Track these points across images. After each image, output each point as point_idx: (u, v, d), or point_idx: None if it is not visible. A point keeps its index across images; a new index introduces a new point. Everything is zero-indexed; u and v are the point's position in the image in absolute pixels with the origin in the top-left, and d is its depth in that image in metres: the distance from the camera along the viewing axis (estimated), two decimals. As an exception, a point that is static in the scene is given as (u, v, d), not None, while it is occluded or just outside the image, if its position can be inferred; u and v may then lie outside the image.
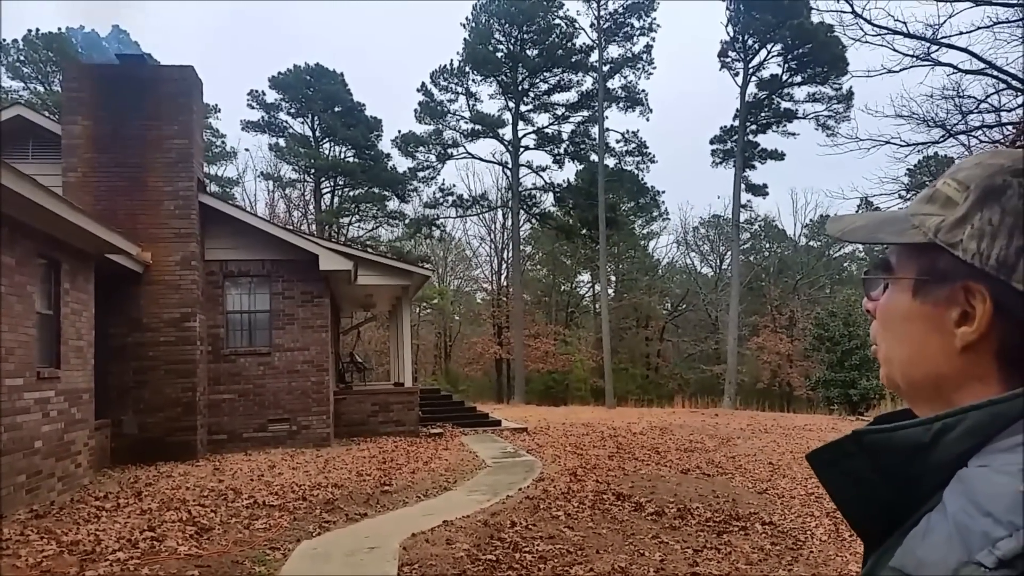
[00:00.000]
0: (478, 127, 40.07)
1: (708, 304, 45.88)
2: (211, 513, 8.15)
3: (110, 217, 11.81)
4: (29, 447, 8.44)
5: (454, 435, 16.42)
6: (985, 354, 0.73)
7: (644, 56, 38.10)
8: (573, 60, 38.64)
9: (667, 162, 68.08)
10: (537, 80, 39.43)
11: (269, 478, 10.53)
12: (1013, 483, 0.63)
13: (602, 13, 37.09)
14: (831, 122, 35.56)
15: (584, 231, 40.96)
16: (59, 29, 36.85)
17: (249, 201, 42.51)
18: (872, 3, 25.22)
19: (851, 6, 13.37)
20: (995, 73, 13.06)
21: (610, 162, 39.56)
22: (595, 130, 38.50)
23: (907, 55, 13.37)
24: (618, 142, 40.35)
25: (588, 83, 39.19)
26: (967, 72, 13.29)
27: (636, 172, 41.59)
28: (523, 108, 39.96)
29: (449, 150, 40.83)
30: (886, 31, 13.32)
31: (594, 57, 37.95)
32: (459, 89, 39.89)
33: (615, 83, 38.78)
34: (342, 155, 42.39)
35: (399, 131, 41.16)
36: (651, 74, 38.96)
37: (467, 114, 40.12)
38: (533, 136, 40.65)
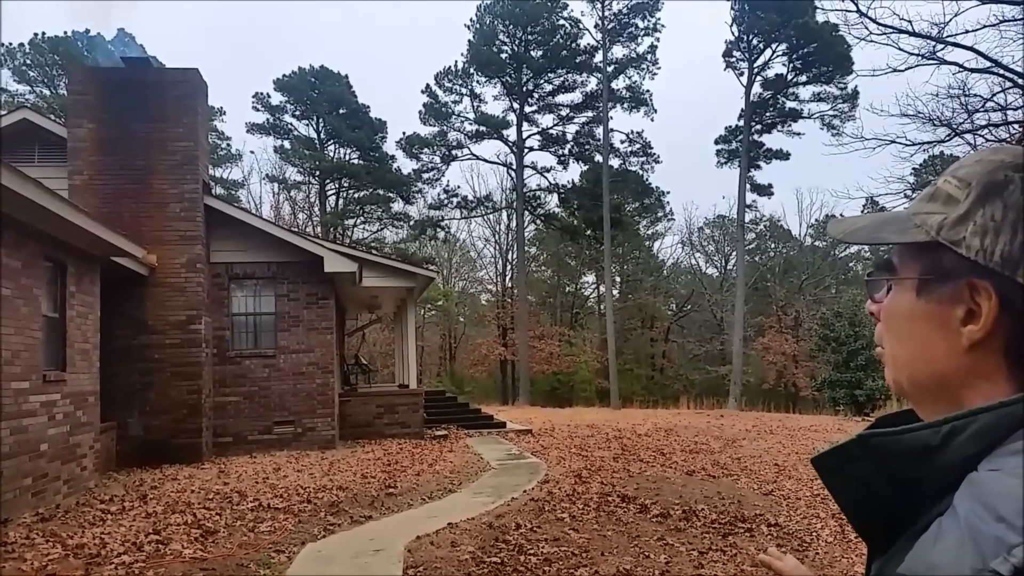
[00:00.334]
0: (482, 128, 40.08)
1: (713, 305, 45.80)
2: (216, 516, 8.15)
3: (115, 220, 11.84)
4: (35, 450, 8.46)
5: (459, 437, 16.42)
6: (992, 352, 0.72)
7: (648, 56, 38.08)
8: (577, 61, 38.64)
9: (672, 162, 67.91)
10: (541, 81, 39.43)
11: (274, 481, 10.54)
12: None
13: (606, 14, 37.09)
14: (836, 121, 35.48)
15: (589, 232, 40.93)
16: (65, 33, 37.07)
17: (254, 203, 42.62)
18: (877, 2, 25.16)
19: (856, 5, 13.35)
20: (1001, 72, 13.02)
21: (614, 163, 39.54)
22: (599, 131, 38.49)
23: (912, 54, 13.33)
24: (622, 142, 40.35)
25: (592, 84, 39.22)
26: (973, 71, 13.25)
27: (641, 172, 41.56)
28: (527, 109, 39.98)
29: (454, 151, 40.87)
30: (891, 30, 13.29)
31: (598, 58, 37.96)
32: (463, 90, 39.94)
33: (619, 84, 38.77)
34: (347, 157, 42.44)
35: (404, 133, 41.19)
36: (655, 74, 38.94)
37: (471, 115, 40.18)
38: (537, 137, 40.67)
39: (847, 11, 13.75)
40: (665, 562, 6.44)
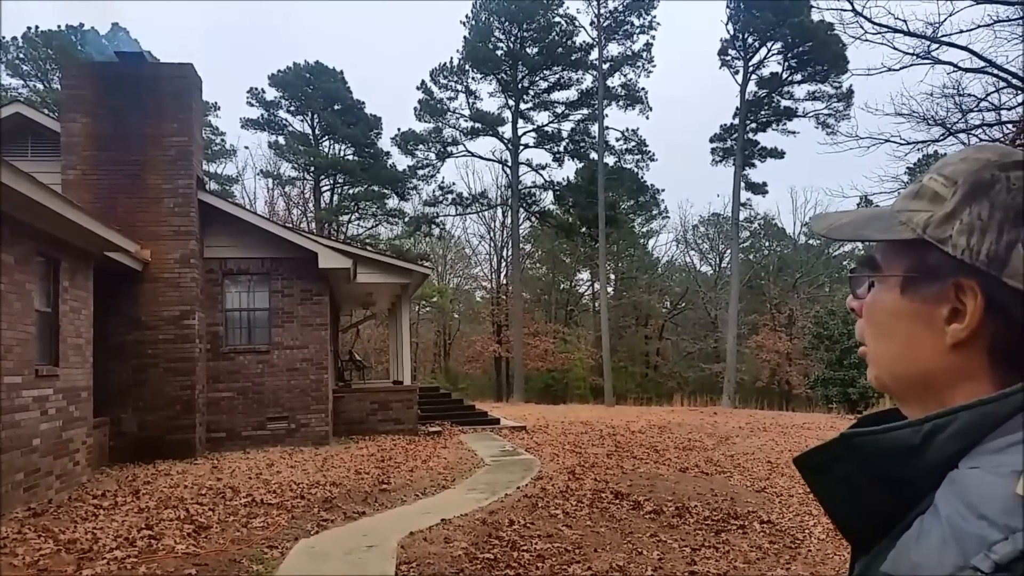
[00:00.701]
0: (478, 125, 40.06)
1: (707, 302, 45.88)
2: (209, 512, 8.15)
3: (109, 215, 11.80)
4: (27, 445, 8.43)
5: (453, 433, 16.43)
6: (976, 351, 0.72)
7: (644, 54, 38.12)
8: (573, 58, 38.63)
9: (667, 160, 68.10)
10: (537, 78, 39.41)
11: (267, 476, 10.53)
12: (1006, 484, 0.62)
13: (602, 11, 37.10)
14: (831, 120, 35.60)
15: (584, 229, 40.95)
16: (59, 27, 36.85)
17: (249, 199, 42.55)
18: (872, 1, 25.20)
19: (851, 4, 13.36)
20: (995, 71, 13.05)
21: (610, 160, 39.61)
22: (595, 128, 38.50)
23: (907, 53, 13.36)
24: (618, 140, 40.41)
25: (588, 81, 39.22)
26: (967, 70, 13.28)
27: (636, 170, 41.62)
28: (523, 106, 39.96)
29: (449, 148, 40.84)
30: (886, 29, 13.31)
31: (594, 55, 37.94)
32: (459, 87, 39.90)
33: (615, 81, 38.81)
34: (342, 153, 42.38)
35: (399, 129, 41.20)
36: (651, 72, 39.00)
37: (467, 112, 40.15)
38: (533, 134, 40.67)
39: (842, 10, 13.77)
40: (658, 558, 6.46)
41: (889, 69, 13.49)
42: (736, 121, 37.23)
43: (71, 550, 6.53)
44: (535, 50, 38.58)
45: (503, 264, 45.13)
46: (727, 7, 35.52)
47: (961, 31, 12.90)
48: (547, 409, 26.82)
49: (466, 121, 40.27)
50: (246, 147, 56.25)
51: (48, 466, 8.94)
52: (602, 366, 35.15)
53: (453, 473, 11.08)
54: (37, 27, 36.45)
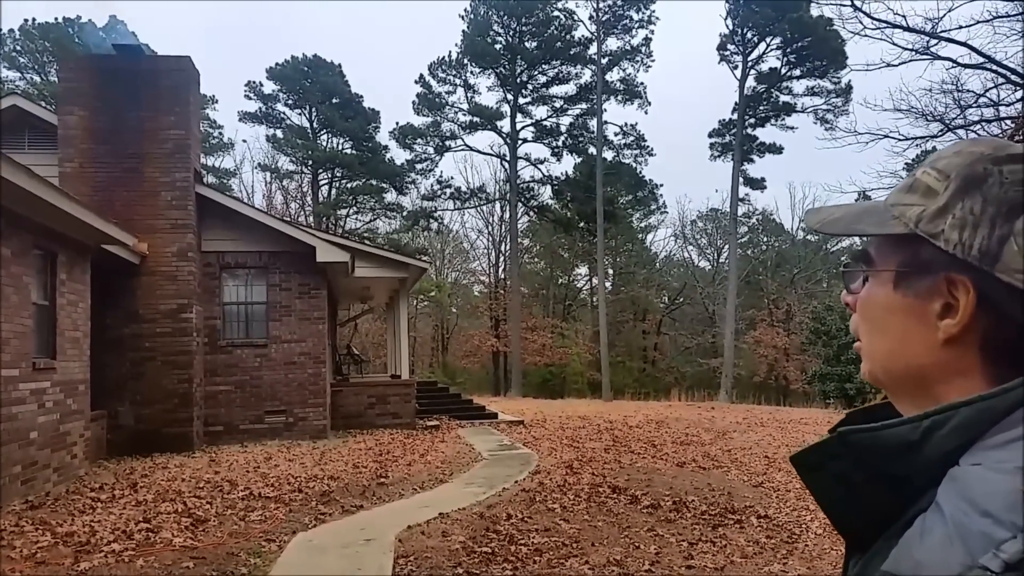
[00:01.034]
0: (476, 119, 39.99)
1: (705, 298, 45.91)
2: (207, 505, 8.15)
3: (106, 208, 11.78)
4: (25, 438, 8.43)
5: (451, 428, 16.44)
6: (968, 347, 0.72)
7: (643, 49, 38.05)
8: (572, 52, 38.55)
9: (665, 155, 68.12)
10: (536, 72, 39.34)
11: (265, 470, 10.53)
12: (1010, 481, 0.62)
13: (601, 5, 37.00)
14: (830, 116, 35.56)
15: (582, 224, 40.91)
16: (56, 19, 36.71)
17: (246, 192, 42.45)
18: (871, -3, 25.10)
19: (851, 0, 13.35)
20: (994, 67, 13.04)
21: (608, 155, 39.54)
22: (593, 123, 38.45)
23: (906, 49, 13.36)
24: (616, 135, 40.34)
25: (587, 76, 39.16)
26: (966, 66, 13.28)
27: (634, 165, 41.58)
28: (521, 100, 39.89)
29: (447, 142, 40.78)
30: (885, 25, 13.30)
31: (593, 49, 37.88)
32: (457, 81, 39.82)
33: (614, 76, 38.74)
34: (340, 147, 42.29)
35: (397, 123, 41.17)
36: (650, 67, 38.93)
37: (465, 106, 40.08)
38: (531, 129, 40.62)
39: (841, 5, 13.77)
40: (655, 553, 6.47)
41: (888, 65, 13.49)
42: (735, 116, 37.20)
43: (68, 543, 6.53)
44: (534, 44, 38.50)
45: (501, 259, 45.14)
46: (726, 2, 35.49)
47: (960, 27, 12.94)
48: (545, 404, 26.85)
49: (464, 115, 40.24)
50: (244, 140, 56.27)
51: (46, 459, 8.94)
52: (600, 361, 35.16)
53: (451, 467, 11.09)
54: (34, 19, 36.36)
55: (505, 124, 39.91)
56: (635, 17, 37.46)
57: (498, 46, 38.56)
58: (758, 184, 40.50)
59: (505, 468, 10.98)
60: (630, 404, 27.70)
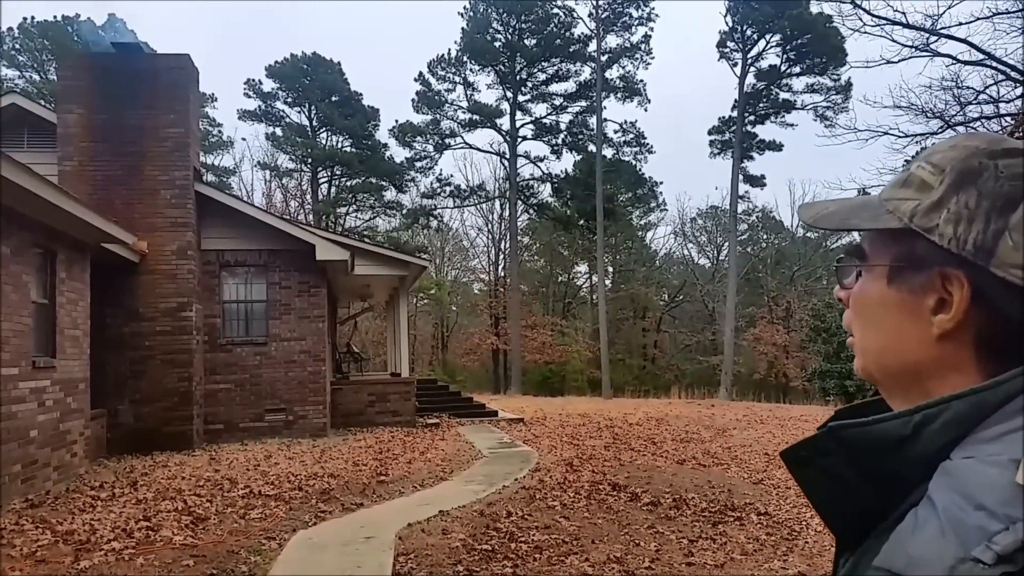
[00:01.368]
0: (476, 117, 39.96)
1: (705, 295, 45.90)
2: (207, 503, 8.15)
3: (106, 206, 11.77)
4: (25, 436, 8.43)
5: (451, 425, 16.45)
6: (962, 342, 0.71)
7: (642, 46, 38.00)
8: (571, 50, 38.50)
9: (665, 153, 68.06)
10: (535, 70, 39.30)
11: (265, 468, 10.54)
12: (1003, 474, 0.61)
13: (600, 3, 36.97)
14: (829, 113, 35.55)
15: (581, 222, 40.90)
16: (55, 18, 36.67)
17: (246, 191, 42.40)
18: (871, -6, 25.08)
19: (850, -4, 13.33)
20: (994, 64, 13.04)
21: (608, 152, 39.52)
22: (593, 120, 38.43)
23: (906, 46, 13.35)
24: (616, 132, 40.31)
25: (586, 73, 39.13)
26: (966, 63, 13.27)
27: (634, 163, 41.54)
28: (521, 98, 39.86)
29: (447, 140, 40.75)
30: (885, 21, 13.29)
31: (592, 47, 37.85)
32: (457, 79, 39.79)
33: (613, 73, 38.70)
34: (339, 145, 42.26)
35: (396, 121, 41.09)
36: (649, 64, 39.01)
37: (465, 104, 40.05)
38: (531, 126, 40.58)
39: (841, 2, 13.78)
40: (655, 550, 6.47)
41: (888, 61, 13.49)
42: (734, 113, 37.17)
43: (69, 541, 6.53)
44: (533, 42, 38.46)
45: (501, 256, 45.11)
46: (725, -1, 35.46)
47: (960, 23, 12.88)
48: (545, 401, 26.86)
49: (464, 113, 40.21)
50: (243, 139, 55.96)
51: (46, 457, 8.94)
52: (600, 358, 35.17)
53: (451, 465, 11.09)
54: (33, 18, 36.33)
55: (505, 122, 39.93)
56: (634, 14, 37.44)
57: (497, 43, 38.52)
58: (758, 181, 40.51)
59: (505, 466, 10.98)
60: (630, 402, 27.70)
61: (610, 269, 45.90)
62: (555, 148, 40.96)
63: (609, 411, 20.85)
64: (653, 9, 37.24)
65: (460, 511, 7.87)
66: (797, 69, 36.27)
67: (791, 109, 37.19)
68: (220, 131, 42.26)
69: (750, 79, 36.73)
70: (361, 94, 41.67)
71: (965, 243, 0.70)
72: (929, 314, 0.72)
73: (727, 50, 36.34)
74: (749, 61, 36.20)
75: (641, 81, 38.74)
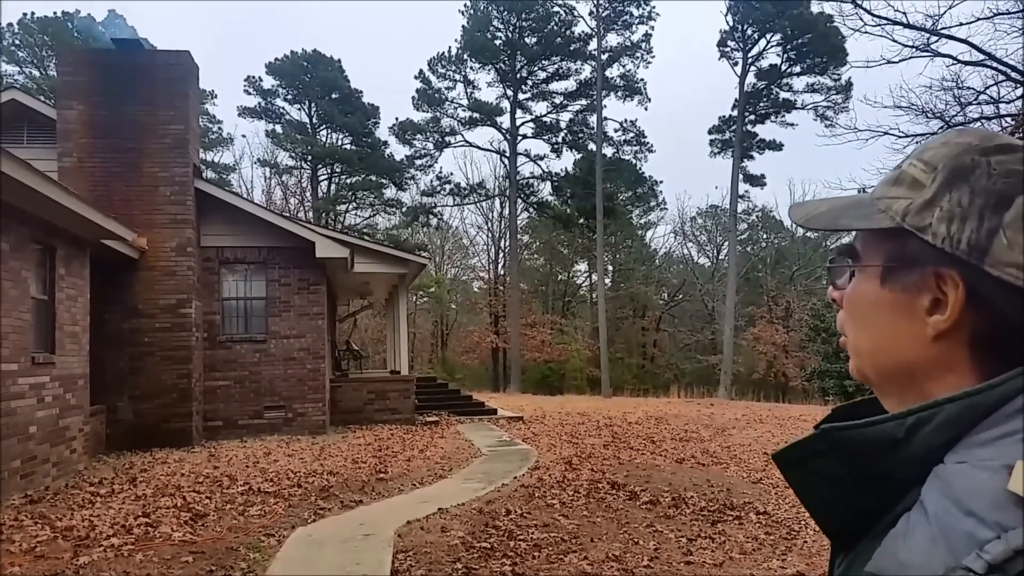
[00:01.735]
0: (476, 115, 39.94)
1: (705, 294, 45.90)
2: (206, 499, 8.15)
3: (105, 203, 11.76)
4: (24, 432, 8.43)
5: (450, 423, 16.45)
6: (958, 342, 0.70)
7: (643, 45, 37.98)
8: (572, 48, 38.48)
9: (665, 152, 68.04)
10: (535, 68, 39.28)
11: (264, 465, 10.54)
12: (994, 479, 0.60)
13: (601, 1, 36.94)
14: (830, 112, 35.53)
15: (581, 220, 40.89)
16: (55, 14, 36.60)
17: (246, 188, 42.39)
18: (872, -7, 25.07)
19: (851, -4, 13.32)
20: (994, 65, 13.03)
21: (608, 151, 39.50)
22: (593, 119, 38.41)
23: (906, 46, 13.34)
24: (616, 131, 40.30)
25: (587, 71, 39.10)
26: (966, 63, 13.26)
27: (634, 161, 41.53)
28: (521, 96, 39.84)
29: (447, 138, 40.73)
30: (886, 21, 13.28)
31: (593, 45, 37.83)
32: (457, 77, 39.77)
33: (614, 72, 38.68)
34: (339, 142, 42.24)
35: (397, 118, 41.05)
36: (650, 63, 38.88)
37: (465, 102, 40.02)
38: (531, 124, 40.57)
39: (842, 2, 13.77)
40: (654, 548, 6.47)
41: (888, 61, 13.48)
42: (735, 113, 37.16)
43: (68, 537, 6.54)
44: (533, 40, 38.44)
45: (501, 255, 45.09)
46: (726, -1, 35.44)
47: (961, 24, 12.87)
48: (544, 400, 26.86)
49: (464, 111, 40.19)
50: (243, 135, 56.23)
51: (45, 454, 8.94)
52: (599, 357, 35.17)
53: (450, 463, 11.10)
54: (33, 13, 36.25)
55: (505, 120, 39.91)
56: (635, 13, 37.43)
57: (498, 42, 38.50)
58: (758, 181, 40.50)
59: (504, 464, 10.98)
60: (629, 400, 27.71)
61: (610, 268, 45.89)
62: (555, 146, 40.96)
63: (608, 410, 20.86)
64: (654, 8, 37.27)
65: (459, 509, 7.87)
66: (797, 68, 36.27)
67: (791, 109, 37.20)
68: (220, 128, 42.26)
69: (750, 78, 36.77)
70: (361, 91, 41.70)
71: (959, 242, 0.69)
72: (924, 314, 0.71)
73: (727, 49, 36.35)
74: (750, 60, 36.21)
75: (641, 80, 38.78)
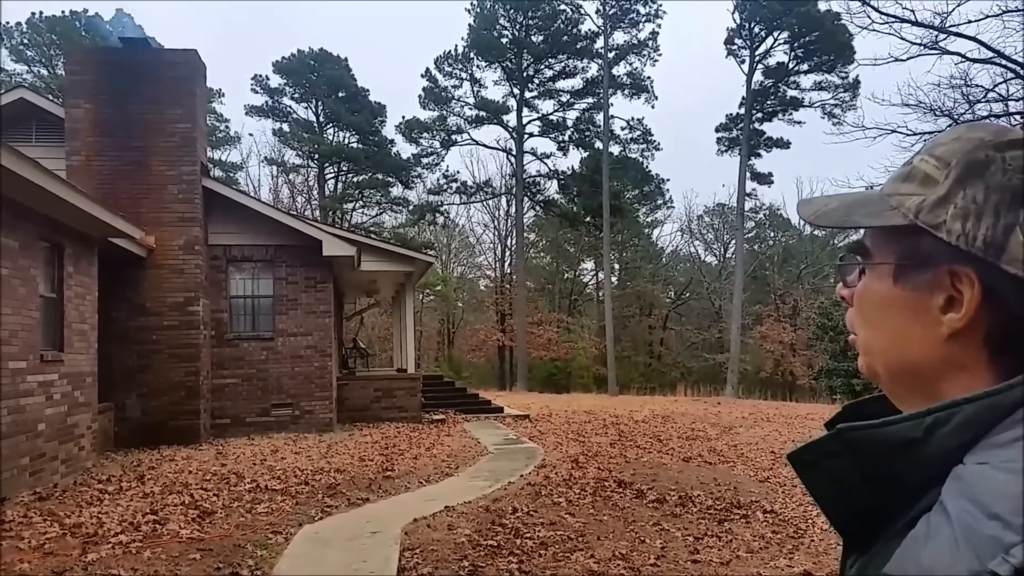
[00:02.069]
0: (482, 113, 39.94)
1: (712, 293, 45.81)
2: (213, 497, 8.18)
3: (113, 201, 11.79)
4: (32, 430, 8.46)
5: (456, 421, 16.46)
6: (972, 341, 0.69)
7: (650, 43, 37.94)
8: (578, 46, 38.45)
9: (672, 150, 67.87)
10: (542, 66, 39.26)
11: (272, 462, 10.57)
12: (1017, 482, 0.59)
13: (608, -1, 36.90)
14: (837, 111, 35.40)
15: (588, 219, 40.87)
16: (63, 12, 36.75)
17: (253, 186, 42.51)
18: (880, -10, 24.99)
19: (859, -7, 13.28)
20: (1003, 62, 12.98)
21: (615, 149, 39.43)
22: (600, 117, 38.37)
23: (915, 43, 13.30)
24: (623, 129, 40.23)
25: (593, 70, 39.07)
26: (975, 61, 13.21)
27: (641, 160, 41.46)
28: (528, 94, 39.82)
29: (453, 136, 40.75)
30: (894, 19, 13.24)
31: (599, 43, 37.78)
32: (463, 75, 39.78)
33: (620, 70, 38.63)
34: (346, 141, 42.30)
35: (403, 117, 41.08)
36: (656, 61, 38.79)
37: (471, 100, 40.03)
38: (537, 123, 40.54)
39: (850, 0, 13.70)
40: (661, 547, 6.47)
41: (896, 59, 13.44)
42: (742, 111, 37.05)
43: (76, 534, 6.56)
44: (540, 38, 38.40)
45: (507, 253, 45.11)
46: (734, -4, 35.34)
47: (969, 21, 12.84)
48: (550, 398, 26.86)
49: (471, 109, 40.19)
50: (250, 134, 56.30)
51: (53, 451, 8.98)
52: (606, 355, 35.15)
53: (456, 461, 11.11)
54: (41, 13, 36.41)
55: (511, 118, 39.89)
56: (642, 11, 37.38)
57: (504, 40, 38.48)
58: (765, 179, 40.39)
59: (511, 462, 10.99)
60: (636, 399, 27.69)
61: (616, 266, 45.84)
62: (562, 145, 40.95)
63: (615, 408, 20.84)
64: (660, 6, 37.23)
65: (466, 507, 7.88)
66: (805, 66, 36.15)
67: (799, 107, 37.09)
68: (227, 127, 42.38)
69: (758, 76, 36.63)
70: (368, 90, 41.75)
71: (974, 239, 0.67)
72: (938, 313, 0.70)
73: (735, 47, 36.27)
74: (757, 58, 36.10)
75: (648, 78, 38.73)
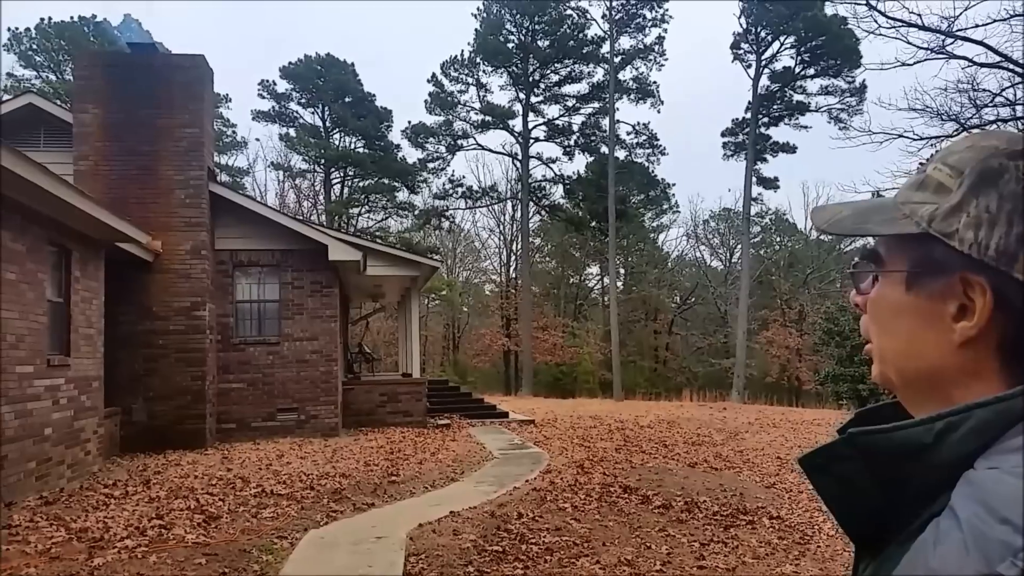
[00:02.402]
0: (488, 118, 39.98)
1: (717, 298, 45.73)
2: (219, 502, 8.18)
3: (120, 206, 11.84)
4: (39, 434, 8.49)
5: (461, 426, 16.45)
6: (984, 349, 0.69)
7: (656, 48, 37.92)
8: (584, 51, 38.48)
9: (678, 155, 67.85)
10: (548, 71, 39.29)
11: (277, 467, 10.57)
12: None
13: (614, 4, 36.91)
14: (844, 115, 35.31)
15: (593, 223, 40.85)
16: (71, 18, 36.93)
17: (259, 191, 42.54)
18: (886, -5, 24.95)
19: (866, -2, 13.27)
20: (1011, 67, 12.94)
21: (620, 154, 39.43)
22: (606, 122, 38.37)
23: (921, 48, 13.28)
24: (629, 134, 40.22)
25: (599, 75, 39.07)
26: (982, 65, 13.18)
27: (646, 164, 41.44)
28: (533, 99, 39.85)
29: (459, 141, 40.80)
30: (900, 23, 13.22)
31: (605, 48, 37.79)
32: (470, 80, 39.83)
33: (626, 75, 38.63)
34: (352, 146, 42.36)
35: (409, 122, 41.22)
36: (663, 66, 38.79)
37: (477, 105, 40.08)
38: (543, 128, 40.57)
39: (856, 4, 13.72)
40: (667, 553, 6.45)
41: (903, 64, 13.41)
42: (748, 115, 37.00)
43: (82, 538, 6.57)
44: (546, 43, 38.45)
45: (512, 258, 45.13)
46: (740, 1, 35.34)
47: (977, 25, 12.80)
48: (556, 403, 26.83)
49: (476, 114, 40.24)
50: (257, 139, 56.54)
51: (60, 455, 9.00)
52: (611, 360, 35.09)
53: (462, 466, 11.10)
54: (50, 18, 36.57)
55: (517, 123, 39.92)
56: (648, 16, 37.37)
57: (511, 45, 38.53)
58: (771, 184, 40.33)
59: (516, 467, 10.97)
60: (641, 404, 27.65)
61: (622, 271, 45.82)
62: (567, 149, 40.97)
63: (620, 413, 20.81)
64: (667, 11, 37.19)
65: (471, 512, 7.87)
66: (811, 71, 36.10)
67: (805, 111, 37.01)
68: (234, 131, 42.47)
69: (764, 81, 36.62)
70: (374, 95, 41.80)
71: (987, 248, 0.68)
72: (950, 321, 0.71)
73: (741, 52, 36.23)
74: (763, 63, 36.07)
75: (654, 83, 38.73)
